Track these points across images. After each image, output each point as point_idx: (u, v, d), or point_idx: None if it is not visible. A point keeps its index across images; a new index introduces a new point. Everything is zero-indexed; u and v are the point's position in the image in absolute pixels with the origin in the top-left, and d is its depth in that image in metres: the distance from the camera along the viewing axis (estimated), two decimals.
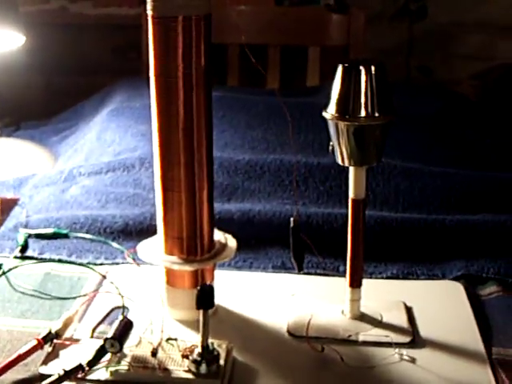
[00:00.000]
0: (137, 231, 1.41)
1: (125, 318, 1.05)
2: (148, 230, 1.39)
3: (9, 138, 1.88)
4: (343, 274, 1.22)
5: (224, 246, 1.17)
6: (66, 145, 1.88)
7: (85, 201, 1.54)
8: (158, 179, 1.11)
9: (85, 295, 1.24)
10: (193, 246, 1.12)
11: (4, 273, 1.30)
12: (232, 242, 1.18)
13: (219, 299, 1.18)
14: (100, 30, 2.46)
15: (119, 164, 1.62)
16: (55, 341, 1.08)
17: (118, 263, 1.34)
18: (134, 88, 2.00)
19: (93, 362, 1.01)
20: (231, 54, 2.37)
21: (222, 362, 1.02)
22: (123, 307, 1.18)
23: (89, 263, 1.35)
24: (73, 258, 1.36)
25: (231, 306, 1.21)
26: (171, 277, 1.16)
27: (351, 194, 1.10)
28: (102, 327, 1.15)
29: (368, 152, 1.07)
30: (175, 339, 1.05)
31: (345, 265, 1.18)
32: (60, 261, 1.36)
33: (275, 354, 1.09)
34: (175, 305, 1.17)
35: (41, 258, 1.37)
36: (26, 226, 1.45)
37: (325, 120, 1.07)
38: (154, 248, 1.16)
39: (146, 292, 1.22)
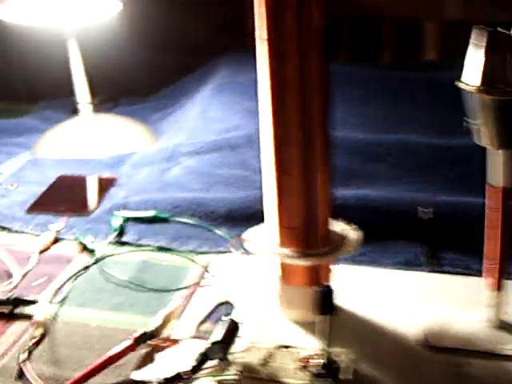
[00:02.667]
0: (243, 217, 1.27)
1: (230, 320, 0.90)
2: (255, 216, 1.24)
3: (107, 114, 1.77)
4: (476, 273, 1.07)
5: (344, 238, 1.01)
6: (168, 122, 1.75)
7: (187, 183, 1.41)
8: (269, 161, 0.96)
9: (185, 288, 1.11)
10: (310, 238, 0.98)
11: (97, 261, 1.18)
12: (353, 235, 1.02)
13: (337, 298, 1.02)
14: (203, 5, 2.31)
15: (224, 143, 1.49)
16: (151, 342, 0.94)
17: (222, 252, 1.20)
18: (238, 63, 1.86)
19: (195, 369, 0.87)
20: (344, 26, 2.19)
21: (341, 375, 0.87)
22: (229, 304, 1.05)
23: (191, 251, 1.21)
24: (173, 246, 1.23)
25: (351, 306, 1.05)
26: (284, 272, 1.01)
27: (495, 181, 0.93)
28: (204, 326, 1.01)
29: None
30: (289, 346, 0.91)
31: (479, 263, 1.02)
32: (159, 248, 1.23)
33: (405, 368, 0.93)
34: (288, 304, 1.02)
35: (138, 245, 1.24)
36: (123, 208, 1.33)
37: (457, 94, 0.90)
38: (263, 238, 1.01)
39: (254, 287, 1.07)
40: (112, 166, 1.54)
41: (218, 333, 0.88)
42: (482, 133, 0.90)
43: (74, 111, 1.72)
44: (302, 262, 0.97)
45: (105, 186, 1.45)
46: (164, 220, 1.30)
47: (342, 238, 1.01)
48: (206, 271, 1.15)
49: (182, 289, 1.11)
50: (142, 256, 1.21)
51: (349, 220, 1.05)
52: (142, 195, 1.37)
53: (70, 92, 1.70)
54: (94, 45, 1.70)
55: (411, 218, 1.21)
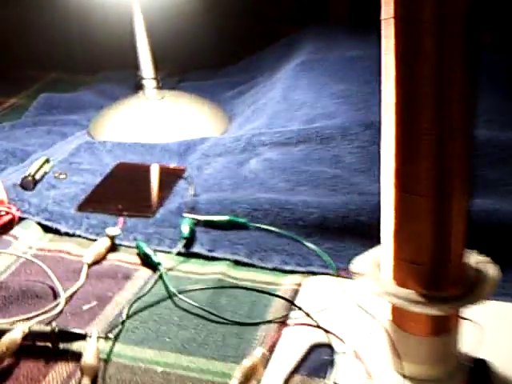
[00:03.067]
0: (338, 228, 1.05)
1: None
2: (353, 229, 1.04)
3: (174, 92, 1.55)
4: None
5: (480, 274, 0.78)
6: (242, 103, 1.53)
7: (268, 179, 1.19)
8: (388, 173, 0.73)
9: (271, 322, 0.89)
10: (439, 277, 0.75)
11: (162, 279, 0.97)
12: (492, 269, 0.79)
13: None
14: None
15: (313, 134, 1.26)
16: None
17: (313, 273, 0.98)
18: (326, 36, 1.62)
19: None
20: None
21: None
22: (327, 347, 0.83)
23: (275, 269, 1.00)
24: (253, 261, 1.01)
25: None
26: (400, 316, 0.79)
27: None
28: (298, 379, 0.80)
29: None
30: None
31: None
32: (237, 262, 1.02)
33: None
34: (405, 355, 0.79)
35: (211, 257, 1.03)
36: (192, 209, 1.12)
37: None
38: (375, 270, 0.79)
39: (359, 324, 0.85)
40: (180, 154, 1.33)
41: None
42: None
43: (136, 86, 1.51)
44: (430, 311, 0.74)
45: (171, 178, 1.24)
46: (241, 226, 1.08)
47: (477, 276, 0.78)
48: (296, 296, 0.93)
49: (266, 323, 0.89)
50: (216, 272, 0.99)
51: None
52: (214, 193, 1.16)
53: (133, 65, 1.49)
54: (159, 12, 1.48)
55: None
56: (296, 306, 0.88)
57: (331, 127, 1.25)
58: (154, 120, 1.44)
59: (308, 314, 0.83)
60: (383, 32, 0.69)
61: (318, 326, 0.84)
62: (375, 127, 1.20)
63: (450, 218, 0.73)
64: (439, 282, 0.75)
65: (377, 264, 0.80)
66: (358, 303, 0.80)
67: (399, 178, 0.73)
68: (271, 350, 0.83)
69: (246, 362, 0.78)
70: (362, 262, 0.81)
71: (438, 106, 0.69)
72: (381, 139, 0.72)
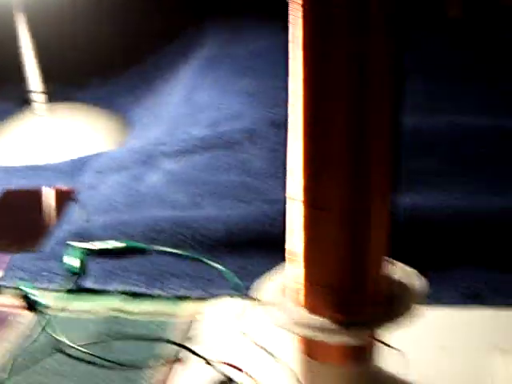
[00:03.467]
0: (245, 243, 0.94)
1: None
2: (263, 242, 0.92)
3: (64, 104, 1.40)
4: None
5: (403, 289, 0.67)
6: (141, 109, 1.39)
7: (169, 195, 1.07)
8: (294, 187, 0.62)
9: (163, 362, 0.77)
10: (354, 301, 0.63)
11: (46, 324, 0.84)
12: (417, 283, 0.68)
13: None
14: None
15: (218, 139, 1.15)
16: None
17: (215, 295, 0.86)
18: (233, 29, 1.49)
19: None
20: None
21: None
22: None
23: (178, 298, 0.87)
24: (153, 290, 0.89)
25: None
26: (312, 346, 0.67)
27: None
28: None
29: None
30: None
31: None
32: (134, 295, 0.88)
33: None
34: None
35: (104, 291, 0.90)
36: (84, 237, 0.98)
37: None
38: (281, 295, 0.67)
39: (267, 356, 0.73)
40: (72, 174, 1.19)
41: None
42: None
43: (23, 102, 1.35)
44: (345, 340, 0.62)
45: (61, 202, 1.10)
46: (139, 251, 0.95)
47: (400, 290, 0.66)
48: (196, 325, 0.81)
49: (160, 365, 0.77)
50: (109, 309, 0.86)
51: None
52: (108, 216, 1.03)
53: (18, 78, 1.33)
54: (45, 19, 1.34)
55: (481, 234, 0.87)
56: (187, 349, 0.76)
57: (238, 130, 1.15)
58: (44, 138, 1.30)
59: (198, 355, 0.71)
60: (290, 17, 0.57)
61: (207, 361, 0.72)
62: (286, 127, 1.08)
63: (367, 235, 0.63)
64: (354, 305, 0.64)
65: (283, 289, 0.68)
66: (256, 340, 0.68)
67: (307, 192, 0.61)
68: None
69: None
70: (267, 288, 0.69)
71: (352, 103, 0.57)
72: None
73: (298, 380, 0.69)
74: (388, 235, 0.65)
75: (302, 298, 0.65)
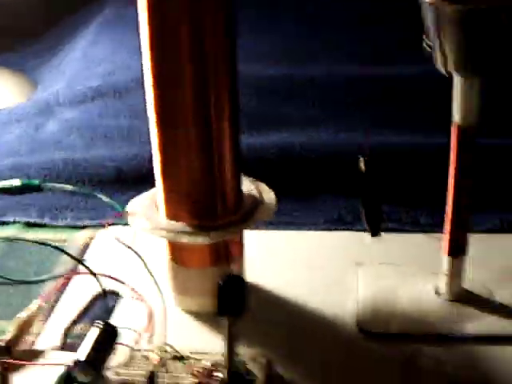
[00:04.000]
0: (135, 179, 1.02)
1: (104, 324, 0.66)
2: (148, 177, 1.00)
3: None
4: (425, 229, 0.90)
5: (257, 201, 0.77)
6: (46, 70, 1.46)
7: (65, 139, 1.15)
8: (150, 109, 0.71)
9: (57, 277, 0.86)
10: (210, 207, 0.73)
11: None
12: (269, 196, 0.78)
13: (249, 274, 0.79)
14: None
15: (109, 88, 1.23)
16: (4, 359, 0.69)
17: (108, 225, 0.95)
18: None
19: None
20: None
21: None
22: (114, 294, 0.81)
23: (67, 226, 0.96)
24: (46, 220, 0.97)
25: (267, 284, 0.82)
26: (177, 251, 0.77)
27: (456, 118, 0.70)
28: (80, 328, 0.77)
29: (488, 53, 0.65)
30: (185, 357, 0.67)
31: (429, 215, 0.89)
32: (28, 224, 0.97)
33: (342, 366, 0.71)
34: (184, 291, 0.78)
35: (2, 222, 0.98)
36: None
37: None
38: (151, 208, 0.77)
39: (146, 270, 0.82)
40: None
41: (86, 347, 0.63)
42: (442, 55, 0.66)
43: None
44: (200, 240, 0.72)
45: None
46: (36, 189, 1.04)
47: (254, 202, 0.77)
48: (87, 250, 0.90)
49: (52, 279, 0.85)
50: (5, 237, 0.95)
51: (264, 174, 0.81)
52: (7, 160, 1.10)
53: None
54: None
55: (341, 166, 0.98)
56: (74, 258, 0.85)
57: (127, 80, 1.22)
58: None
59: (86, 267, 0.80)
60: None
61: (100, 275, 0.81)
62: None
63: (215, 145, 0.71)
64: (210, 212, 0.73)
65: (153, 203, 0.77)
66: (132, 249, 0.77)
67: (158, 112, 0.71)
68: (54, 301, 0.80)
69: (21, 315, 0.74)
70: (138, 203, 0.78)
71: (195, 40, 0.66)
72: None
73: (174, 285, 0.78)
74: (238, 151, 0.75)
75: (164, 207, 0.75)
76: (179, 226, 0.73)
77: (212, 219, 0.73)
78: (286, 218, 0.94)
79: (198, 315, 0.77)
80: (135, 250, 0.80)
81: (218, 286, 0.59)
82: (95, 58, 1.36)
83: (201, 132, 0.70)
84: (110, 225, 0.93)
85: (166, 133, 0.71)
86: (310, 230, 0.93)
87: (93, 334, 0.65)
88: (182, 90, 0.68)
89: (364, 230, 0.90)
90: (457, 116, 0.69)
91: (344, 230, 0.93)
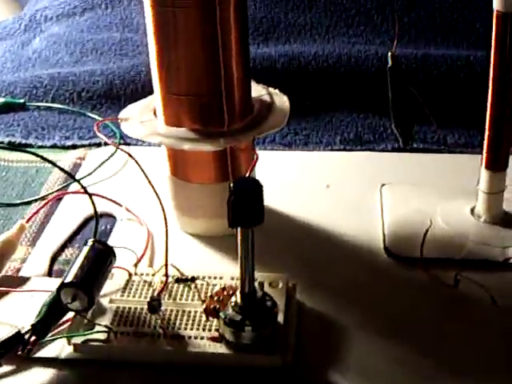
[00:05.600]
0: (127, 94, 0.93)
1: (98, 241, 0.56)
2: (145, 92, 0.91)
3: None
4: (454, 149, 0.82)
5: (268, 106, 0.67)
6: None
7: (52, 55, 1.05)
8: None
9: (43, 198, 0.76)
10: (216, 109, 0.63)
11: None
12: (281, 101, 0.68)
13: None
14: None
15: None
16: None
17: (99, 144, 0.85)
18: None
19: (42, 327, 0.54)
20: None
21: (280, 317, 0.54)
22: (109, 217, 0.71)
23: (54, 146, 0.86)
24: (30, 141, 0.87)
25: (283, 208, 0.72)
26: (180, 164, 0.67)
27: (496, 5, 0.60)
28: (69, 253, 0.68)
29: None
30: (191, 278, 0.58)
31: (456, 134, 0.82)
32: (11, 145, 0.87)
33: (369, 293, 0.61)
34: (187, 211, 0.68)
35: None
36: None
37: None
38: (147, 115, 0.67)
39: (143, 189, 0.73)
40: None
41: (76, 268, 0.54)
42: None
43: None
44: (205, 147, 0.62)
45: None
46: (20, 106, 0.94)
47: (265, 108, 0.67)
48: (77, 169, 0.80)
49: (38, 199, 0.76)
50: None
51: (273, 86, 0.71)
52: None
53: None
54: None
55: (357, 79, 0.88)
56: (68, 173, 0.74)
57: None
58: None
59: (79, 183, 0.70)
60: None
61: (93, 195, 0.71)
62: None
63: (220, 37, 0.61)
64: (215, 115, 0.64)
65: (150, 109, 0.67)
66: (134, 159, 0.67)
67: None
68: (44, 223, 0.70)
69: (1, 237, 0.65)
70: (133, 109, 0.69)
71: None
72: None
73: (175, 204, 0.69)
74: (247, 50, 0.65)
75: (162, 112, 0.65)
76: (180, 131, 0.63)
77: (218, 124, 0.64)
78: (298, 137, 0.85)
79: (205, 238, 0.68)
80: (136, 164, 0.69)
81: (229, 189, 0.49)
82: None
83: (204, 13, 0.59)
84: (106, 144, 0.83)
85: (162, 15, 0.60)
86: (324, 150, 0.83)
87: (83, 253, 0.55)
88: None
89: (386, 150, 0.82)
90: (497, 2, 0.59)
91: (362, 150, 0.83)
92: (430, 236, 0.66)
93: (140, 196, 0.71)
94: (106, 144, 0.84)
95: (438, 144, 0.83)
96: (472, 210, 0.69)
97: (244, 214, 0.49)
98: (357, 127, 0.86)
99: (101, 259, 0.56)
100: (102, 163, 0.81)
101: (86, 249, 0.56)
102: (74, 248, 0.68)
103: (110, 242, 0.67)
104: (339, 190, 0.75)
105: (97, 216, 0.64)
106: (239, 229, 0.50)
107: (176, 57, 0.62)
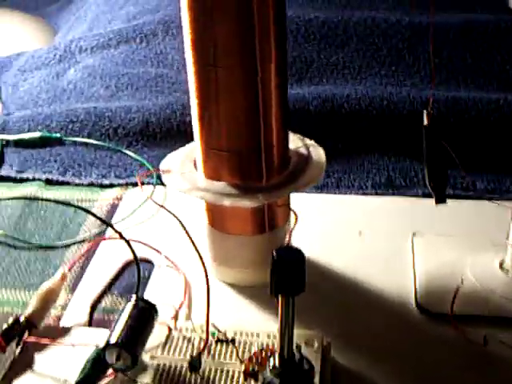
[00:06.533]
0: (162, 132, 0.94)
1: (141, 299, 0.58)
2: (180, 131, 0.93)
3: None
4: (483, 195, 0.82)
5: (306, 160, 0.69)
6: (67, 14, 1.37)
7: (87, 88, 1.06)
8: (187, 45, 0.61)
9: (82, 242, 0.78)
10: (255, 164, 0.64)
11: None
12: (318, 154, 0.70)
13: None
14: None
15: (135, 31, 1.13)
16: (26, 337, 0.62)
17: (135, 184, 0.87)
18: None
19: None
20: None
21: (316, 378, 0.56)
22: (147, 263, 0.73)
23: (92, 185, 0.88)
24: (68, 177, 0.89)
25: (313, 254, 0.74)
26: (218, 216, 0.69)
27: None
28: (108, 301, 0.69)
29: None
30: (231, 340, 0.59)
31: (485, 179, 0.83)
32: (48, 182, 0.89)
33: (404, 351, 0.63)
34: (224, 260, 0.70)
35: (20, 180, 0.90)
36: (3, 129, 0.98)
37: None
38: (188, 166, 0.68)
39: (180, 234, 0.74)
40: None
41: (119, 326, 0.56)
42: None
43: None
44: (244, 203, 0.64)
45: None
46: (57, 141, 0.96)
47: (302, 160, 0.68)
48: (114, 211, 0.82)
49: (77, 243, 0.78)
50: (25, 196, 0.87)
51: (305, 129, 0.72)
52: (28, 110, 1.02)
53: None
54: None
55: (390, 122, 0.89)
56: (103, 221, 0.77)
57: (153, 23, 1.13)
58: None
59: (116, 230, 0.71)
60: None
61: (132, 241, 0.73)
62: None
63: (261, 92, 0.62)
64: (254, 171, 0.65)
65: (191, 160, 0.69)
66: (168, 210, 0.69)
67: (196, 47, 0.61)
68: (80, 269, 0.72)
69: (44, 286, 0.67)
70: (174, 159, 0.70)
71: None
72: None
73: (213, 254, 0.70)
74: (285, 101, 0.66)
75: (202, 165, 0.67)
76: (220, 186, 0.64)
77: (257, 179, 0.65)
78: (330, 179, 0.86)
79: (242, 288, 0.69)
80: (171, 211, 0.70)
81: (273, 259, 0.50)
82: (118, 1, 1.26)
83: (245, 73, 0.60)
84: (142, 184, 0.84)
85: (205, 73, 0.61)
86: (356, 193, 0.84)
87: (127, 311, 0.57)
88: (225, 23, 0.59)
89: (417, 196, 0.83)
90: None
91: (394, 194, 0.84)
92: (460, 291, 0.67)
93: (177, 241, 0.72)
94: (142, 183, 0.86)
95: (466, 190, 0.84)
96: (501, 264, 0.70)
97: (286, 283, 0.51)
98: (388, 171, 0.87)
99: (144, 318, 0.57)
100: (137, 207, 0.82)
101: (129, 306, 0.57)
102: (113, 296, 0.70)
103: (148, 289, 0.69)
104: (370, 236, 0.77)
105: (138, 267, 0.66)
106: (280, 297, 0.52)
107: (217, 113, 0.63)
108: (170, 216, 0.66)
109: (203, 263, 0.61)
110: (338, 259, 0.73)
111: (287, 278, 0.51)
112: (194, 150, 0.68)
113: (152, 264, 0.73)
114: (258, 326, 0.61)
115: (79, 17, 1.30)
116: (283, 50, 0.62)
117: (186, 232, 0.63)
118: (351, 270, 0.72)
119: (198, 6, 0.59)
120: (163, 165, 0.69)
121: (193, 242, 0.61)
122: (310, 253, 0.72)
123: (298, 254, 0.51)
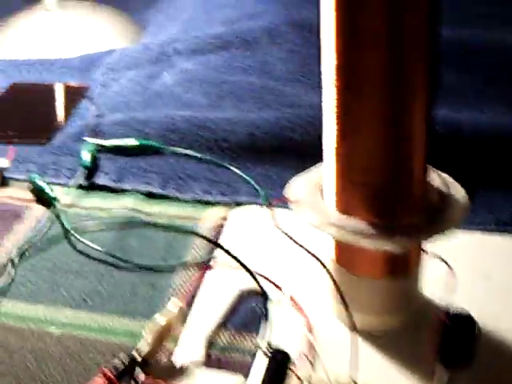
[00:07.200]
0: (269, 149, 0.88)
1: (276, 352, 0.53)
2: (287, 149, 0.87)
3: (74, 0, 1.34)
4: None
5: (445, 199, 0.63)
6: (156, 11, 1.32)
7: (185, 94, 1.01)
8: (330, 69, 0.56)
9: (190, 265, 0.73)
10: (396, 201, 0.59)
11: (57, 216, 0.80)
12: (458, 191, 0.64)
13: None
14: None
15: (236, 37, 1.07)
16: (140, 377, 0.57)
17: (242, 203, 0.82)
18: None
19: None
20: None
21: None
22: (258, 295, 0.67)
23: (195, 201, 0.83)
24: (169, 191, 0.84)
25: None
26: (347, 254, 0.63)
27: None
28: (224, 337, 0.64)
29: None
30: None
31: None
32: (149, 195, 0.84)
33: None
34: (354, 303, 0.64)
35: (117, 190, 0.85)
36: (95, 133, 0.94)
37: None
38: (316, 196, 0.63)
39: (297, 265, 0.69)
40: (82, 70, 1.14)
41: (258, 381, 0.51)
42: None
43: None
44: (382, 245, 0.58)
45: (73, 98, 1.06)
46: (153, 151, 0.91)
47: (442, 200, 0.62)
48: (221, 232, 0.77)
49: (185, 266, 0.73)
50: (124, 208, 0.82)
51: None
52: (121, 113, 0.98)
53: None
54: None
55: None
56: (219, 247, 0.71)
57: (257, 29, 1.08)
58: (54, 33, 1.24)
59: (234, 257, 0.66)
60: None
61: (248, 270, 0.68)
62: (308, 26, 1.03)
63: (407, 124, 0.57)
64: (396, 207, 0.59)
65: (318, 188, 0.63)
66: (293, 239, 0.63)
67: (341, 72, 0.56)
68: (190, 300, 0.67)
69: (159, 320, 0.62)
70: (300, 186, 0.64)
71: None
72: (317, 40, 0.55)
73: (339, 295, 0.64)
74: (428, 134, 0.60)
75: (335, 198, 0.61)
76: (355, 224, 0.59)
77: (395, 218, 0.59)
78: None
79: (364, 333, 0.63)
80: (296, 240, 0.64)
81: (445, 326, 0.45)
82: (215, 2, 1.21)
83: (389, 103, 0.55)
84: (274, 206, 0.78)
85: (348, 102, 0.56)
86: (477, 229, 0.77)
87: (262, 364, 0.52)
88: (370, 51, 0.53)
89: None
90: None
91: None
92: None
93: (297, 274, 0.67)
94: (249, 204, 0.81)
95: None
96: None
97: (454, 356, 0.45)
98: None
99: (280, 371, 0.52)
100: (247, 228, 0.77)
101: (266, 360, 0.52)
102: (228, 332, 0.64)
103: (265, 328, 0.64)
104: (497, 281, 0.70)
105: (266, 309, 0.60)
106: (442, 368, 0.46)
107: (357, 144, 0.57)
108: (283, 240, 0.61)
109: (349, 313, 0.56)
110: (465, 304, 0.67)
111: (456, 350, 0.45)
112: (320, 177, 0.63)
113: (265, 297, 0.68)
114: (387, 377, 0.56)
115: (170, 16, 1.25)
116: (432, 80, 0.56)
117: (329, 273, 0.58)
118: (480, 319, 0.65)
119: (347, 31, 0.53)
120: (289, 192, 0.63)
121: (339, 290, 0.56)
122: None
123: (469, 322, 0.45)
